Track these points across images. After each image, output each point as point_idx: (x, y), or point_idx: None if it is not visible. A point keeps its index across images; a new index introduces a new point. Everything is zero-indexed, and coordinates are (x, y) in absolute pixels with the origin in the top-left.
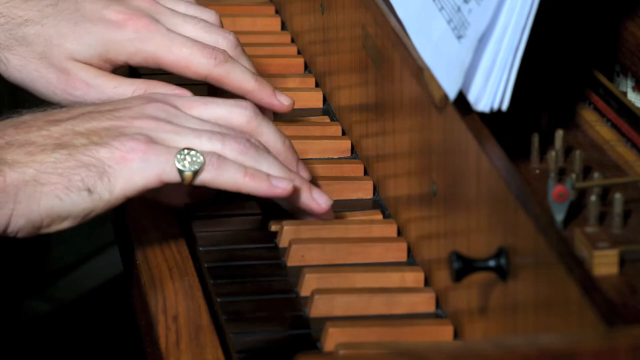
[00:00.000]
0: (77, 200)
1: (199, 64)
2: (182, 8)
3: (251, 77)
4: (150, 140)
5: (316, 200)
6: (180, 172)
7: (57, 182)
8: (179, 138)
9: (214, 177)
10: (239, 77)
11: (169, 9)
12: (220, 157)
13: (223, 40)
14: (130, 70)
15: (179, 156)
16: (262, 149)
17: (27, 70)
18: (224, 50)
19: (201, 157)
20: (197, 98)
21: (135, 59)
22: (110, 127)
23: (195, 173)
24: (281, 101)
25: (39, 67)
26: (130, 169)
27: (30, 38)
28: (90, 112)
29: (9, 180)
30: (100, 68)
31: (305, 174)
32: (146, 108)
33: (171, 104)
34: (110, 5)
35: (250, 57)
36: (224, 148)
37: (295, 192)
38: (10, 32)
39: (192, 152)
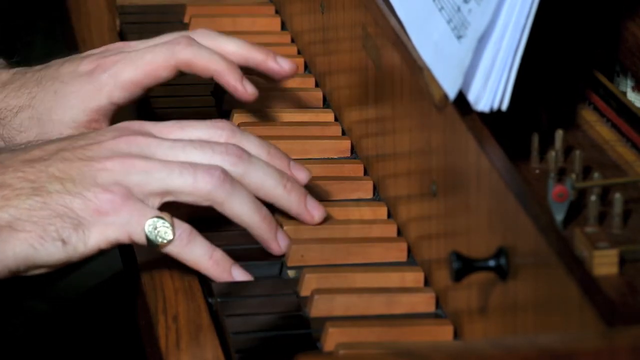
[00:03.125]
0: (52, 251)
1: (163, 57)
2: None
3: (218, 58)
4: (124, 193)
5: (310, 211)
6: (148, 239)
7: (31, 230)
8: (150, 179)
9: (180, 252)
10: (205, 57)
11: (140, 42)
12: (191, 233)
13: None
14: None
15: (150, 222)
16: (246, 160)
17: None
18: (185, 37)
19: (171, 233)
20: (174, 122)
21: (117, 95)
22: (84, 171)
23: (164, 244)
24: (245, 88)
25: None
26: (104, 222)
27: (25, 123)
28: (63, 150)
29: None
30: (93, 124)
31: (301, 174)
32: (118, 144)
33: (146, 132)
34: (83, 60)
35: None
36: (196, 182)
37: (289, 205)
38: (9, 124)
39: (165, 224)
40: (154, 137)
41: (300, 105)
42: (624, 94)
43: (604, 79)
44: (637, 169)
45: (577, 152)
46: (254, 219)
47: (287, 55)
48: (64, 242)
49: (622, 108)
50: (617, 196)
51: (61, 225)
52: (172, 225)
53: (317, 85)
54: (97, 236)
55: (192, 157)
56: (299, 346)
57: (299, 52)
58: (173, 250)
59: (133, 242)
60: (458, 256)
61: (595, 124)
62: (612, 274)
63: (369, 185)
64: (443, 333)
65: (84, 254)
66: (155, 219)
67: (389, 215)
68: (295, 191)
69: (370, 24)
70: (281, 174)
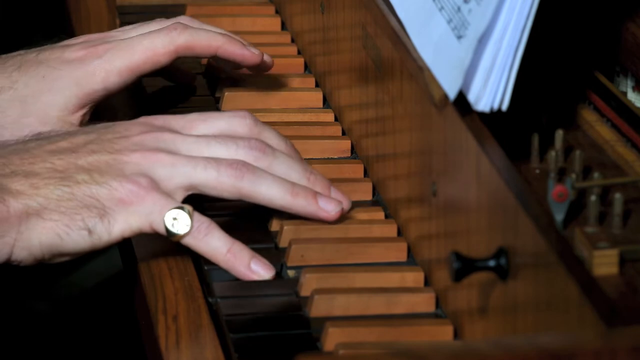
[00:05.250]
0: (77, 239)
1: (162, 43)
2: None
3: (216, 34)
4: (150, 184)
5: (324, 208)
6: (167, 229)
7: (58, 219)
8: (175, 173)
9: (197, 244)
10: (204, 37)
11: (121, 31)
12: (209, 226)
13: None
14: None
15: (170, 213)
16: (270, 154)
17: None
18: (180, 22)
19: (189, 223)
20: (196, 116)
21: (111, 80)
22: (111, 162)
23: (182, 234)
24: (252, 51)
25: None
26: (127, 211)
27: (4, 105)
28: (91, 143)
29: (12, 211)
30: (80, 109)
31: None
32: (145, 139)
33: (170, 128)
34: (68, 47)
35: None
36: (220, 176)
37: (300, 205)
38: None
39: (184, 215)
40: (179, 133)
41: (300, 105)
42: (624, 94)
43: (604, 79)
44: (637, 169)
45: (577, 152)
46: (286, 199)
47: (287, 56)
48: (89, 231)
49: (622, 108)
50: (617, 196)
51: (87, 215)
52: (191, 217)
53: (317, 85)
54: (121, 225)
55: (216, 152)
56: (299, 346)
57: (299, 52)
58: (190, 241)
59: (154, 231)
60: (458, 256)
61: (595, 124)
62: (612, 273)
63: (368, 186)
64: (443, 333)
65: (108, 242)
66: (176, 210)
67: (387, 216)
68: (319, 183)
69: (370, 24)
70: (304, 165)
